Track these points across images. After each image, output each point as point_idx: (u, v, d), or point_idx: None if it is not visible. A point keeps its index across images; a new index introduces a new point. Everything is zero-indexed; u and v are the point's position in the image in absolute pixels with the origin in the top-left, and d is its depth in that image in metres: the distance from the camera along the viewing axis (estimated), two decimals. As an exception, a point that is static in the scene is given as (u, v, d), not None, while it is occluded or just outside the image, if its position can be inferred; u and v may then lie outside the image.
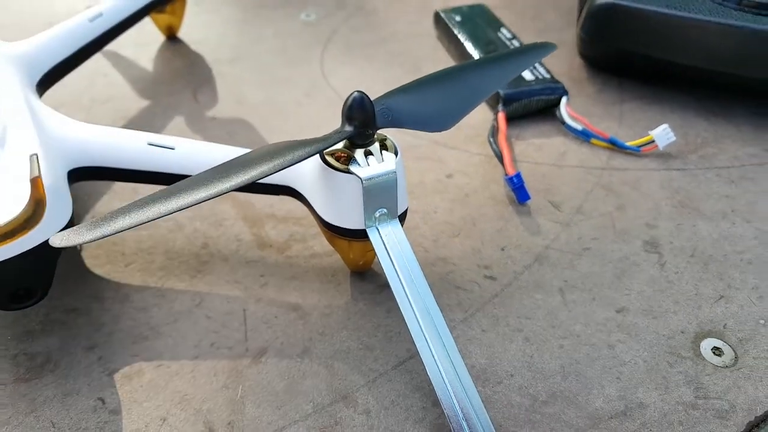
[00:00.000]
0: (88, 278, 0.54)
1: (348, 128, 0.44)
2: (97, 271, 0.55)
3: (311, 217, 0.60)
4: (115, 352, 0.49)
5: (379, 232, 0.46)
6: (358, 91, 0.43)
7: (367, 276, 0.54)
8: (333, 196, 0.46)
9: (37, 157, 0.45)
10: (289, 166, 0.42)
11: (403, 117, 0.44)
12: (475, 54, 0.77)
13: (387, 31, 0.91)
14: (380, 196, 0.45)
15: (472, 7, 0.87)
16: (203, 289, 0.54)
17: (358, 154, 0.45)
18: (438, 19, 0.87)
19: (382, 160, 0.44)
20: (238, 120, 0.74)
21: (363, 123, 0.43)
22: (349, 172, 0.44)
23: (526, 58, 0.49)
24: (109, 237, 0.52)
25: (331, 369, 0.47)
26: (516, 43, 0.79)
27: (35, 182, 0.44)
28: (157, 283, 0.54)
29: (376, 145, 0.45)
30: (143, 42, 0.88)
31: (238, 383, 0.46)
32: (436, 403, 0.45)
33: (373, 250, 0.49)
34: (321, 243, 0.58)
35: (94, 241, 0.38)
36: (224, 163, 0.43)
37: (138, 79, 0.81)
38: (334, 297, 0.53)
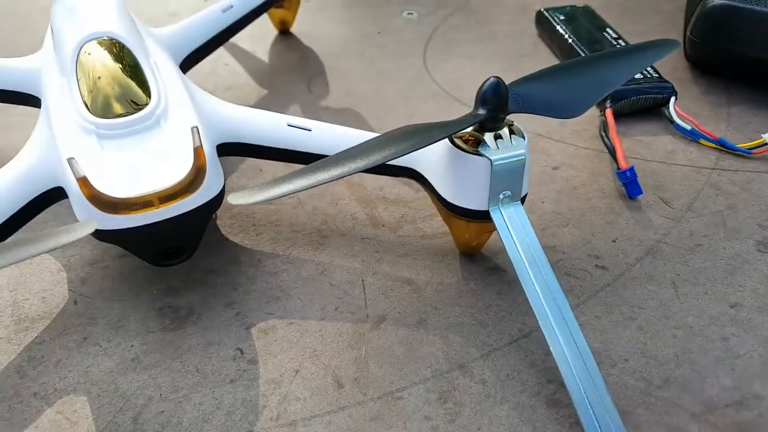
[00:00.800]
0: (224, 244, 0.60)
1: (482, 112, 0.47)
2: (232, 238, 0.60)
3: (420, 201, 0.63)
4: (251, 309, 0.54)
5: (502, 213, 0.49)
6: (494, 77, 0.46)
7: (476, 258, 0.57)
8: (458, 176, 0.49)
9: (197, 129, 0.51)
10: (426, 146, 0.45)
11: (534, 102, 0.47)
12: (581, 52, 0.78)
13: (486, 30, 0.93)
14: (507, 179, 0.48)
15: (575, 7, 0.88)
16: (325, 259, 0.58)
17: (488, 137, 0.47)
18: (541, 17, 0.89)
19: (511, 144, 0.47)
20: (348, 110, 0.78)
21: (496, 107, 0.46)
22: (479, 154, 0.48)
23: (652, 53, 0.50)
24: (255, 205, 0.57)
25: (447, 340, 0.50)
26: (621, 43, 0.80)
27: (197, 151, 0.49)
28: (285, 251, 0.59)
29: (506, 129, 0.48)
30: (258, 35, 0.94)
31: (361, 345, 0.50)
32: (551, 380, 0.47)
33: (489, 232, 0.52)
34: (431, 225, 0.61)
35: (266, 201, 0.43)
36: (365, 143, 0.47)
37: (256, 70, 0.87)
38: (445, 275, 0.56)
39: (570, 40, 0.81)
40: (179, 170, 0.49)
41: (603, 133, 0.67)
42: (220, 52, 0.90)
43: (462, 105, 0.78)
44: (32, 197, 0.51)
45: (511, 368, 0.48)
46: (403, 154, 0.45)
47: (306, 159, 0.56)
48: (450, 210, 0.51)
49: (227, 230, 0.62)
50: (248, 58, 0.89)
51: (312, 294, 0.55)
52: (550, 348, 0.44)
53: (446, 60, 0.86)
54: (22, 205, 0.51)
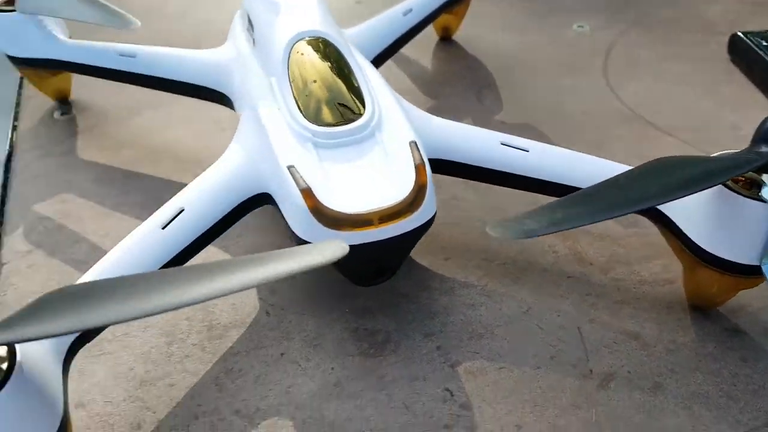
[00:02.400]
0: (412, 266, 0.55)
1: (765, 150, 0.40)
2: (420, 260, 0.56)
3: (632, 239, 0.56)
4: (452, 345, 0.49)
5: (781, 272, 0.42)
6: None
7: (710, 315, 0.50)
8: (725, 223, 0.43)
9: (416, 145, 0.46)
10: (702, 190, 0.39)
11: None
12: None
13: (670, 50, 0.85)
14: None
15: (782, 32, 0.79)
16: (527, 297, 0.52)
17: (771, 180, 0.41)
18: (737, 42, 0.80)
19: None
20: (527, 126, 0.72)
21: None
22: (759, 199, 0.41)
23: None
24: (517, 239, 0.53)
25: (692, 412, 0.44)
26: None
27: (419, 169, 0.44)
28: (479, 282, 0.54)
29: None
30: (417, 41, 0.90)
31: (589, 405, 0.44)
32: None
33: (743, 288, 0.45)
34: (649, 269, 0.54)
35: (532, 236, 0.37)
36: (618, 177, 0.40)
37: (419, 77, 0.82)
38: (677, 332, 0.49)
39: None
40: (401, 189, 0.44)
41: None
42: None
43: (662, 133, 0.70)
44: (239, 202, 0.48)
45: (776, 457, 0.41)
46: (667, 200, 0.39)
47: (522, 183, 0.50)
48: (703, 259, 0.45)
49: (413, 251, 0.57)
50: (410, 65, 0.85)
51: (520, 336, 0.49)
52: None
53: (631, 79, 0.79)
54: (229, 210, 0.48)
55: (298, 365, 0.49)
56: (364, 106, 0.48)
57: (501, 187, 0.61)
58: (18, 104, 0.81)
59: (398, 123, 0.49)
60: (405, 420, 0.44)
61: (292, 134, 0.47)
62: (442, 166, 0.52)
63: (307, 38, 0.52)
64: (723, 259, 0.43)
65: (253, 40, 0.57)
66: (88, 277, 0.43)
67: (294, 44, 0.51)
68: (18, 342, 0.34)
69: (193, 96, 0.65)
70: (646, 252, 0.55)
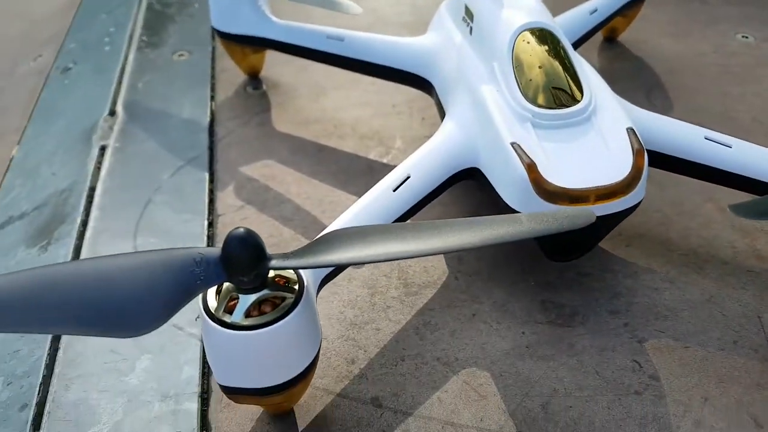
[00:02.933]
0: (595, 249, 0.59)
1: None
2: (601, 245, 0.59)
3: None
4: (638, 322, 0.53)
5: None
6: None
7: None
8: None
9: (633, 131, 0.50)
10: None
11: None
12: None
13: (841, 63, 0.84)
14: None
15: None
16: (709, 285, 0.55)
17: None
18: None
19: None
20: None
21: None
22: None
23: None
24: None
25: None
26: None
27: (638, 152, 0.49)
28: (661, 269, 0.57)
29: None
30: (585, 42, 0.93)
31: (777, 388, 0.47)
32: None
33: None
34: (832, 273, 0.56)
35: None
36: None
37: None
38: None
39: None
40: (620, 170, 0.48)
41: None
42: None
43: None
44: (453, 173, 0.55)
45: None
46: None
47: (724, 179, 0.53)
48: None
49: (593, 235, 0.62)
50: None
51: (703, 321, 0.52)
52: None
53: (802, 91, 0.79)
54: (445, 178, 0.54)
55: (490, 326, 0.54)
56: (582, 93, 0.53)
57: (679, 183, 0.65)
58: (213, 77, 0.93)
59: (614, 110, 0.53)
60: (596, 383, 0.49)
61: (512, 114, 0.52)
62: (649, 157, 0.54)
63: (532, 28, 0.57)
64: None
65: (470, 29, 0.62)
66: (335, 225, 0.50)
67: (520, 33, 0.56)
68: (309, 267, 0.41)
69: (393, 80, 0.71)
70: (826, 255, 0.57)
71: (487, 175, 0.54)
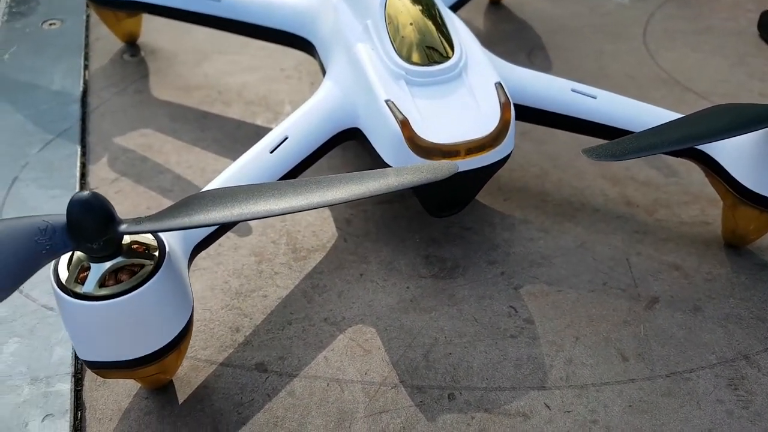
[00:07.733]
0: (475, 204, 0.61)
1: None
2: (481, 199, 0.61)
3: (673, 187, 0.62)
4: (515, 270, 0.55)
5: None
6: None
7: (743, 252, 0.56)
8: (768, 165, 0.48)
9: (501, 85, 0.51)
10: (753, 130, 0.44)
11: None
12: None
13: (703, 24, 0.90)
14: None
15: (811, 9, 0.84)
16: (581, 232, 0.58)
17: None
18: (766, 19, 0.85)
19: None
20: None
21: None
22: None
23: None
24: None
25: (727, 330, 0.50)
26: None
27: (504, 106, 0.50)
28: (536, 219, 0.59)
29: None
30: (469, 3, 0.94)
31: (638, 322, 0.51)
32: None
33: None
34: (688, 212, 0.60)
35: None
36: (688, 117, 0.46)
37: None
38: (713, 265, 0.55)
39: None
40: (487, 124, 0.50)
41: None
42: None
43: (699, 97, 0.75)
44: (334, 134, 0.54)
45: (800, 368, 0.47)
46: (720, 138, 0.44)
47: (590, 129, 0.56)
48: (747, 198, 0.50)
49: (476, 191, 0.63)
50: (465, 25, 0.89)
51: (575, 265, 0.55)
52: None
53: (669, 48, 0.84)
54: (325, 140, 0.53)
55: (377, 284, 0.54)
56: (452, 50, 0.53)
57: (556, 138, 0.68)
58: (87, 45, 0.86)
59: (483, 66, 0.54)
60: (475, 330, 0.51)
61: (387, 72, 0.52)
62: (517, 111, 0.56)
63: None
64: (764, 196, 0.49)
65: None
66: (209, 188, 0.48)
67: None
68: (165, 230, 0.39)
69: (273, 41, 0.69)
70: (685, 198, 0.61)
71: (366, 135, 0.53)
